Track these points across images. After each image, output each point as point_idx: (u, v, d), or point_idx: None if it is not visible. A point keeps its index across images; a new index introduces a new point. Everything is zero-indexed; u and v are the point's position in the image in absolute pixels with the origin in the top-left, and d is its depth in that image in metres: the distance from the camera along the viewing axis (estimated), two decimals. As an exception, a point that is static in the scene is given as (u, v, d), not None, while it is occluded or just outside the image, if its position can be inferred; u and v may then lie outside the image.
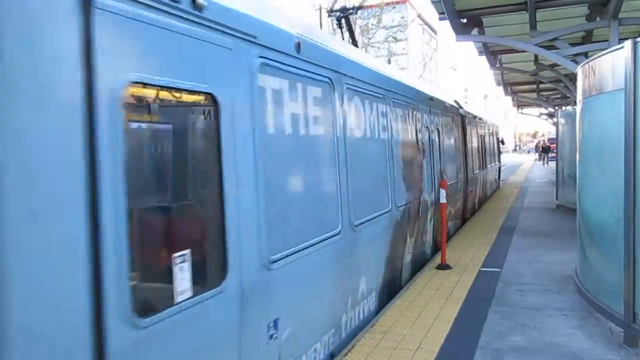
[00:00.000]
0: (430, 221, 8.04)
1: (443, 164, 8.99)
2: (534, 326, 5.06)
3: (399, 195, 6.30)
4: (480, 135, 14.86)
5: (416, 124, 7.37)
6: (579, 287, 5.81)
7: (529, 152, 69.04)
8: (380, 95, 5.74)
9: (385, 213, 5.73)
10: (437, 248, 8.35)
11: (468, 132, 12.22)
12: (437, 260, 7.73)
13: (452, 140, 10.36)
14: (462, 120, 11.60)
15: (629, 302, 4.46)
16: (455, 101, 11.58)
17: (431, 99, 8.48)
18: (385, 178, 5.87)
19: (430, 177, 8.03)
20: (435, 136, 8.53)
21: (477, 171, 13.66)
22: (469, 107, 14.06)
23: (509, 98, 29.51)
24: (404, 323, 5.23)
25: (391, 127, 6.10)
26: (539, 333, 4.88)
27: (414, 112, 7.30)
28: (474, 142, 13.28)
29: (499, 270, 7.30)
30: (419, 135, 7.51)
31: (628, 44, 4.42)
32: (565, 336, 4.78)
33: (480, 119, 15.22)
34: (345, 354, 4.46)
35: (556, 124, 16.38)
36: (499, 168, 21.31)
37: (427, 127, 8.05)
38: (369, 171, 5.39)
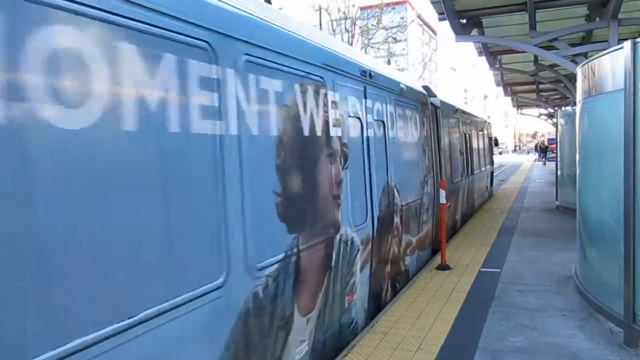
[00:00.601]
0: (361, 270, 5.13)
1: (394, 174, 6.17)
2: (534, 327, 5.06)
3: (268, 244, 3.38)
4: (464, 134, 12.03)
5: (326, 112, 4.35)
6: (579, 287, 5.81)
7: (528, 152, 69.13)
8: (200, 44, 2.84)
9: (203, 295, 2.74)
10: (378, 308, 5.77)
11: (444, 129, 9.51)
12: (437, 261, 7.73)
13: (416, 140, 7.49)
14: (434, 112, 8.85)
15: (629, 303, 4.46)
16: (425, 87, 8.87)
17: (367, 74, 5.49)
18: (207, 218, 2.85)
19: (362, 200, 5.15)
20: (376, 133, 5.68)
21: (458, 180, 10.80)
22: (447, 97, 10.84)
23: (509, 98, 29.52)
24: (404, 324, 5.23)
25: (241, 111, 3.15)
26: (539, 333, 4.88)
27: (320, 91, 4.28)
28: (453, 142, 10.48)
29: (499, 270, 7.30)
30: (334, 131, 4.49)
31: (627, 44, 4.42)
32: (565, 337, 4.77)
33: (464, 112, 12.28)
34: (345, 355, 4.46)
35: (556, 125, 16.39)
36: (491, 173, 17.96)
37: (358, 119, 5.16)
38: (135, 208, 2.36)
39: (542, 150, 41.67)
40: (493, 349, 4.55)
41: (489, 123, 17.96)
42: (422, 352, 4.51)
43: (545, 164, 38.28)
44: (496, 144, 20.88)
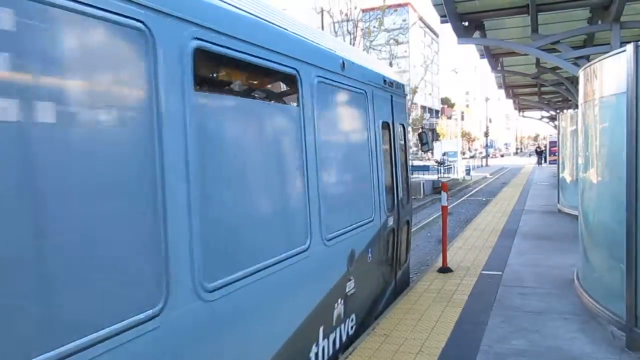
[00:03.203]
0: None
1: None
2: (535, 330, 5.04)
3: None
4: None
5: None
6: (581, 290, 5.80)
7: (530, 154, 69.31)
8: None
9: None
10: None
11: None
12: (439, 263, 7.72)
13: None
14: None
15: (631, 306, 4.45)
16: None
17: None
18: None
19: None
20: None
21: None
22: None
23: (511, 101, 29.53)
24: (405, 326, 5.22)
25: None
26: (540, 337, 4.87)
27: None
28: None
29: (500, 273, 7.28)
30: None
31: (630, 47, 4.42)
32: (566, 340, 4.76)
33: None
34: (346, 357, 4.46)
35: (557, 127, 16.38)
36: (403, 227, 6.42)
37: None
38: None
39: (538, 153, 44.58)
40: (494, 352, 4.54)
41: (402, 87, 6.73)
42: (423, 355, 4.50)
43: (541, 164, 40.52)
44: (423, 147, 8.12)
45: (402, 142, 6.60)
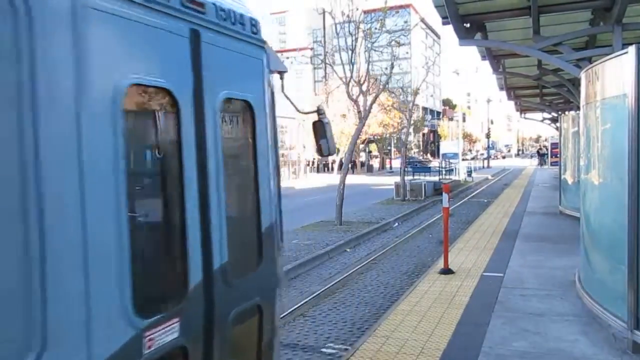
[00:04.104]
0: None
1: None
2: (537, 332, 5.03)
3: None
4: None
5: None
6: (582, 292, 5.79)
7: (531, 156, 69.36)
8: None
9: None
10: None
11: None
12: (440, 264, 7.71)
13: None
14: None
15: (633, 308, 4.44)
16: None
17: None
18: None
19: None
20: None
21: None
22: None
23: (512, 102, 29.51)
24: (406, 328, 5.21)
25: None
26: (542, 338, 4.86)
27: None
28: None
29: (501, 275, 7.27)
30: None
31: (632, 49, 4.42)
32: (568, 342, 4.75)
33: None
34: (347, 359, 4.46)
35: (559, 129, 16.36)
36: (229, 329, 2.35)
37: None
38: None
39: (540, 155, 47.14)
40: (496, 354, 4.53)
41: (225, 18, 2.49)
42: (424, 357, 4.49)
43: (542, 165, 42.14)
44: (322, 150, 3.51)
45: (249, 134, 3.02)
